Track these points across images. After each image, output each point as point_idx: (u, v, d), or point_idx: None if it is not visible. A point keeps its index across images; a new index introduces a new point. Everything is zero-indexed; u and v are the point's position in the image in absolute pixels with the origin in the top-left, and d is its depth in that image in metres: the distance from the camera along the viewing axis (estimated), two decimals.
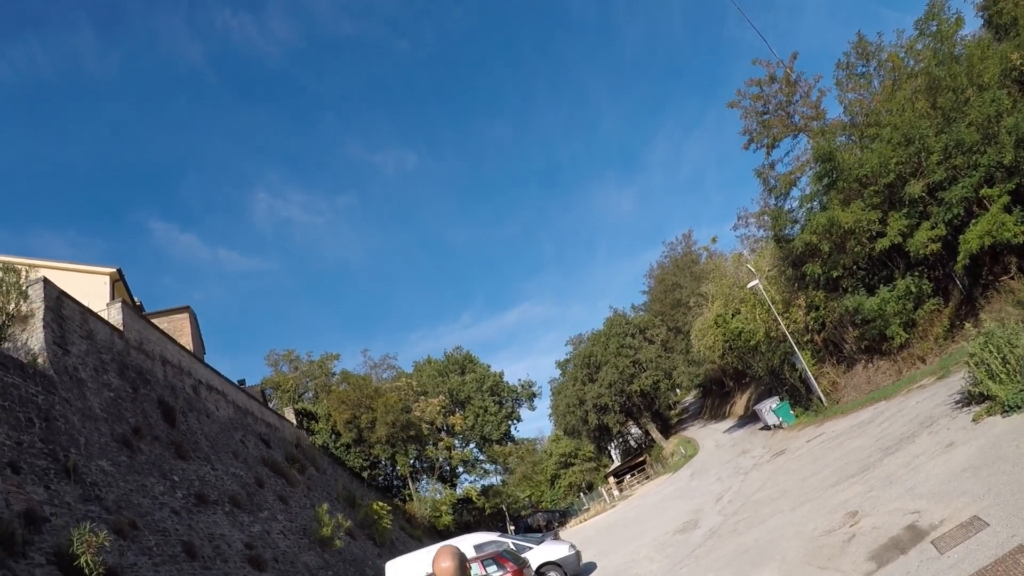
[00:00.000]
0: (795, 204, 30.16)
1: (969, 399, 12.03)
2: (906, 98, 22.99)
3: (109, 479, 14.61)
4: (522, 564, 16.25)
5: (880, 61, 26.91)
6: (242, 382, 35.27)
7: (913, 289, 22.38)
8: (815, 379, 28.17)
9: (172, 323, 32.66)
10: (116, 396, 18.00)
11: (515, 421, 73.98)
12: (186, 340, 31.91)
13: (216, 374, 28.72)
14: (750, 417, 41.41)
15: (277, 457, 29.72)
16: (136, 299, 30.64)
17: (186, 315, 35.07)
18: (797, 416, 29.11)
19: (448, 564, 3.90)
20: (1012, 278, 19.71)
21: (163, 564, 13.90)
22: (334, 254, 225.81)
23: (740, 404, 52.34)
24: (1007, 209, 19.11)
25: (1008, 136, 18.77)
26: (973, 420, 10.84)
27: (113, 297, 24.10)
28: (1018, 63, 19.22)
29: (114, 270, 26.20)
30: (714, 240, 70.75)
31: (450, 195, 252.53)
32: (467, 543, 19.53)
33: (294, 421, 43.11)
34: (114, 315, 20.83)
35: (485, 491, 67.63)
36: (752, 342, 31.41)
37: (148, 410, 19.52)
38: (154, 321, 25.97)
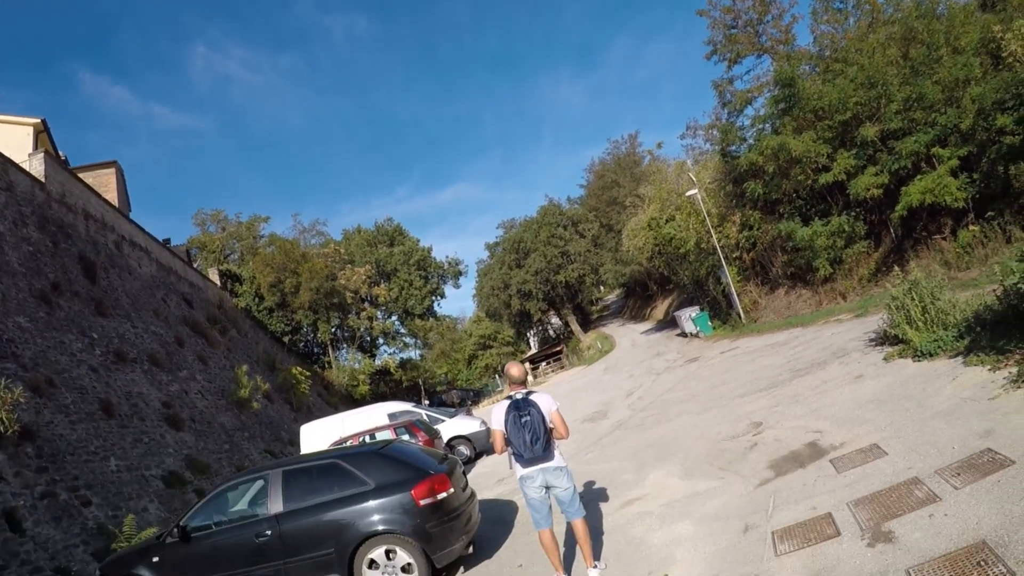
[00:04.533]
0: (747, 123, 30.01)
1: (883, 339, 12.53)
2: (879, 42, 22.74)
3: (26, 335, 14.25)
4: (434, 435, 16.72)
5: (860, 0, 26.46)
6: (167, 241, 34.27)
7: (847, 228, 22.92)
8: (737, 295, 29.07)
9: (98, 178, 31.34)
10: (35, 250, 17.30)
11: (439, 297, 74.54)
12: (111, 196, 30.77)
13: (140, 230, 27.77)
14: (669, 322, 42.83)
15: (199, 317, 29.30)
16: (61, 153, 29.24)
17: (112, 170, 33.63)
18: (715, 328, 30.18)
19: (518, 369, 6.10)
20: (944, 239, 20.22)
21: (80, 422, 13.79)
22: (272, 116, 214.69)
23: (661, 309, 53.90)
24: (953, 173, 19.37)
25: (971, 103, 18.77)
26: (884, 359, 11.35)
27: (36, 148, 22.74)
28: (998, 36, 19.11)
29: (38, 121, 25.04)
30: (659, 145, 69.99)
31: (398, 66, 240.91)
32: (382, 411, 20.12)
33: (218, 282, 42.29)
34: (36, 166, 19.77)
35: (403, 364, 68.15)
36: (682, 250, 31.82)
37: (68, 265, 18.83)
38: (79, 175, 24.72)
